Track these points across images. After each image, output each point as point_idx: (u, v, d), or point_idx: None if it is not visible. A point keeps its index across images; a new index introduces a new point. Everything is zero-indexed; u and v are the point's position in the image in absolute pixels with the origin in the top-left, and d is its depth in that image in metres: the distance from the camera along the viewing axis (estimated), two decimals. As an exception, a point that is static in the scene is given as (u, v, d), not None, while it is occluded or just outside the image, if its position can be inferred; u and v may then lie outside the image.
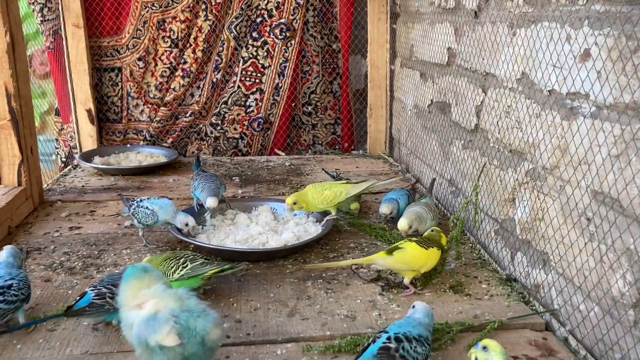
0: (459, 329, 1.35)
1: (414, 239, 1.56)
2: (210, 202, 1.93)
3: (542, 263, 1.49)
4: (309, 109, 3.23)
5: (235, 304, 1.48)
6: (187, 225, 1.78)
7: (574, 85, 1.32)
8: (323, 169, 2.61)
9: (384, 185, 2.13)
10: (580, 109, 1.30)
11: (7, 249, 1.46)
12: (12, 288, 1.33)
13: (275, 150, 3.24)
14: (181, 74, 3.06)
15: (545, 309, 1.44)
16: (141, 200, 1.84)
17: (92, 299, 1.32)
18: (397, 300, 1.51)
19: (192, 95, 3.14)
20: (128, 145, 3.02)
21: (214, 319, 1.11)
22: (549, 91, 1.44)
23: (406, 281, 1.54)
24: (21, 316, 1.35)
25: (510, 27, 1.64)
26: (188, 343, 1.07)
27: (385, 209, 1.98)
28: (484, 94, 1.84)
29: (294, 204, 1.90)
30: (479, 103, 1.87)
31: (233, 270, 1.49)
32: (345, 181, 2.00)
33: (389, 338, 1.15)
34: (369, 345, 1.16)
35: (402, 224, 1.80)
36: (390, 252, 1.53)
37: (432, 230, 1.62)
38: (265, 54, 3.12)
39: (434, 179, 2.21)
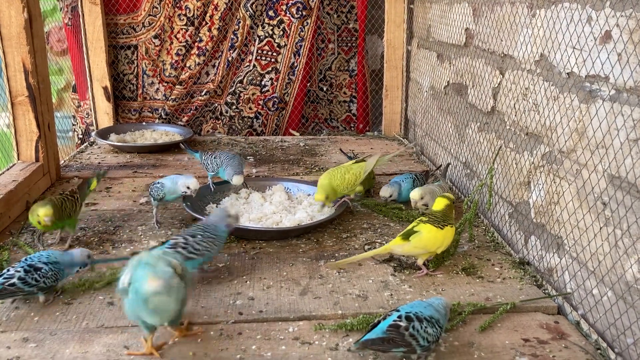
0: (471, 311, 1.36)
1: (425, 218, 1.54)
2: (236, 180, 1.96)
3: (556, 247, 1.48)
4: (324, 86, 3.23)
5: (248, 282, 1.50)
6: (189, 188, 1.79)
7: (594, 68, 1.30)
8: (340, 150, 2.60)
9: (392, 157, 2.12)
10: (599, 92, 1.28)
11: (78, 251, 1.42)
12: (39, 272, 1.33)
13: (290, 130, 3.23)
14: (197, 52, 3.06)
15: (558, 293, 1.44)
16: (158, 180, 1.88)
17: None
18: (409, 281, 1.51)
19: (207, 73, 3.14)
20: (144, 123, 3.04)
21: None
22: (567, 73, 1.42)
23: (419, 262, 1.54)
24: (42, 296, 1.37)
25: (530, 7, 1.62)
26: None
27: (384, 192, 1.99)
28: (501, 76, 1.82)
29: (326, 198, 1.84)
30: (496, 85, 1.85)
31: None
32: (354, 161, 1.99)
33: (400, 316, 1.16)
34: (379, 322, 1.17)
35: (414, 193, 1.80)
36: (406, 236, 1.50)
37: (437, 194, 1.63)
38: (281, 32, 3.10)
39: (448, 164, 2.21)
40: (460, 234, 1.68)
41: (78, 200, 1.67)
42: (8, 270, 1.33)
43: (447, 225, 1.52)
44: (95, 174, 1.86)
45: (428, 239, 1.50)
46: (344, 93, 3.29)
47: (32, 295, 1.36)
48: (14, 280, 1.31)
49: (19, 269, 1.33)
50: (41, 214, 1.54)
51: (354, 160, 1.99)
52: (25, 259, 1.37)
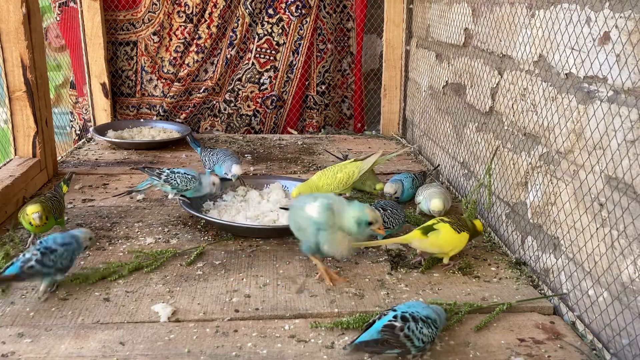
0: (467, 310, 1.36)
1: (447, 219, 1.55)
2: (236, 169, 1.98)
3: (552, 247, 1.48)
4: (323, 88, 3.22)
5: (244, 279, 1.50)
6: (214, 184, 1.88)
7: (592, 69, 1.30)
8: (326, 150, 2.58)
9: (392, 157, 2.12)
10: (597, 93, 1.29)
11: (82, 231, 1.47)
12: (54, 254, 1.37)
13: (288, 128, 3.23)
14: (195, 49, 3.06)
15: (554, 293, 1.44)
16: (172, 170, 1.89)
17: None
18: (405, 280, 1.51)
19: (205, 71, 3.14)
20: (142, 120, 3.04)
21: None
22: (566, 74, 1.42)
23: (445, 260, 1.57)
24: (45, 283, 1.37)
25: (529, 8, 1.62)
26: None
27: (389, 188, 2.00)
28: (499, 76, 1.82)
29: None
30: (495, 85, 1.85)
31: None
32: (352, 160, 1.99)
33: (395, 316, 1.15)
34: (374, 321, 1.17)
35: (438, 204, 1.80)
36: (425, 232, 1.52)
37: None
38: (280, 31, 3.10)
39: (437, 166, 2.24)
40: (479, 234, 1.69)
41: (61, 201, 1.69)
42: (24, 255, 1.36)
43: (463, 231, 1.53)
44: (62, 179, 1.82)
45: (444, 239, 1.51)
46: (337, 94, 3.29)
47: (48, 277, 1.37)
48: (32, 263, 1.33)
49: (35, 252, 1.36)
50: (29, 211, 1.54)
51: (352, 160, 1.99)
52: (40, 242, 1.40)
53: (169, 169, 1.89)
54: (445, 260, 1.56)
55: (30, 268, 1.33)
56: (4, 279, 1.33)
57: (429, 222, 1.56)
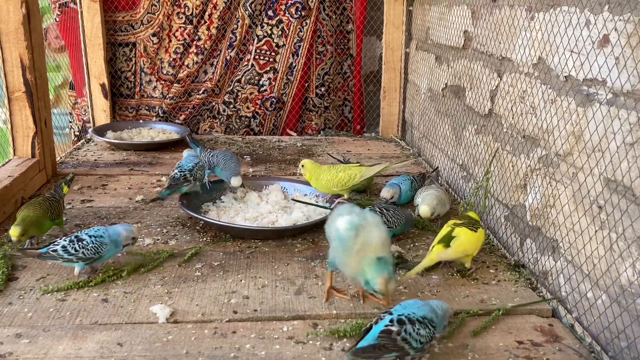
0: (465, 315, 1.35)
1: (460, 221, 1.53)
2: (235, 182, 1.97)
3: (551, 250, 1.48)
4: (322, 90, 3.22)
5: (243, 281, 1.50)
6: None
7: (591, 72, 1.30)
8: (329, 154, 2.59)
9: (397, 168, 2.12)
10: (597, 96, 1.29)
11: (124, 227, 1.52)
12: (80, 243, 1.43)
13: (287, 130, 3.23)
14: (195, 50, 3.06)
15: (552, 296, 1.44)
16: (185, 169, 1.89)
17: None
18: (403, 282, 1.51)
19: (205, 72, 3.14)
20: (141, 121, 3.04)
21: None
22: (565, 77, 1.42)
23: (467, 265, 1.55)
24: (78, 268, 1.46)
25: (529, 10, 1.62)
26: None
27: (386, 193, 1.97)
28: (499, 79, 1.82)
29: (302, 166, 1.95)
30: (494, 88, 1.85)
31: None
32: (358, 164, 1.99)
33: (391, 320, 1.14)
34: (371, 326, 1.16)
35: (425, 211, 1.77)
36: (446, 243, 1.49)
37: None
38: (280, 32, 3.10)
39: (437, 168, 2.25)
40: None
41: (60, 201, 1.70)
42: (59, 237, 1.48)
43: (480, 228, 1.53)
44: (63, 180, 1.83)
45: (467, 242, 1.49)
46: (339, 97, 3.29)
47: (71, 264, 1.45)
48: (57, 247, 1.44)
49: (66, 239, 1.46)
50: (11, 233, 1.54)
51: (358, 164, 1.99)
52: (80, 231, 1.49)
53: (182, 170, 1.88)
54: (468, 265, 1.54)
55: (54, 251, 1.43)
56: (29, 254, 1.47)
57: (444, 231, 1.52)
